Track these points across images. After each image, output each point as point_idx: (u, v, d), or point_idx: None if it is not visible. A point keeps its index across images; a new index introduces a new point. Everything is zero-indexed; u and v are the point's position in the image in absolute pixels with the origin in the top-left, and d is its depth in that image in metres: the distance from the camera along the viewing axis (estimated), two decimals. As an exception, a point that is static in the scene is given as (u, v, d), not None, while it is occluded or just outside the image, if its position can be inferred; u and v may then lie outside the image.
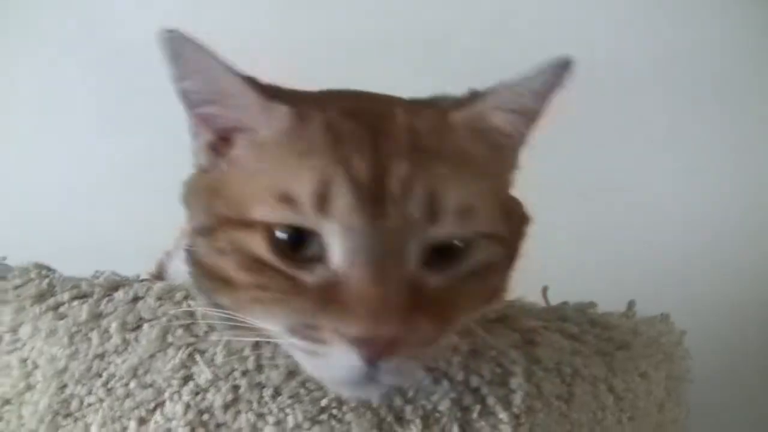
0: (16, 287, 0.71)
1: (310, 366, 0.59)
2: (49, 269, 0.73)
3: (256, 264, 0.60)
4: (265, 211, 0.59)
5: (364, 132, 0.60)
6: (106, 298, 0.69)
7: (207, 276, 0.64)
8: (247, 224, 0.60)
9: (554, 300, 0.79)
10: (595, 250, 1.30)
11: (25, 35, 1.41)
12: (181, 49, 0.62)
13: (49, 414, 0.66)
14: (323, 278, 0.58)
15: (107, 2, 1.37)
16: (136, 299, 0.68)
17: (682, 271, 1.29)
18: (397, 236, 0.57)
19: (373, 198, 0.57)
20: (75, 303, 0.69)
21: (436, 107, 0.67)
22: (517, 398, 0.66)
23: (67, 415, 0.65)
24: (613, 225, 1.34)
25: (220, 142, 0.66)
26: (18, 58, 1.41)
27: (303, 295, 0.58)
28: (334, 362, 0.55)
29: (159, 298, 0.68)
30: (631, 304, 0.79)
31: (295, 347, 0.58)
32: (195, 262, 0.65)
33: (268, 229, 0.59)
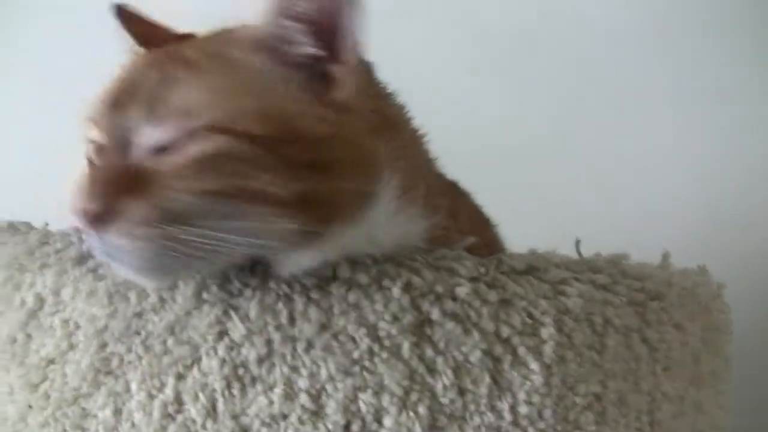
0: (58, 251, 0.74)
1: None
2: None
3: None
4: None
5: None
6: (143, 259, 0.70)
7: None
8: None
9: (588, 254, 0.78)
10: (637, 209, 1.29)
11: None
12: None
13: (91, 372, 0.68)
14: None
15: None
16: (171, 259, 0.69)
17: (724, 225, 1.27)
18: (116, 133, 0.65)
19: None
20: (113, 264, 0.70)
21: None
22: (548, 348, 0.66)
23: (108, 373, 0.68)
24: (650, 181, 1.32)
25: None
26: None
27: None
28: (87, 238, 0.64)
29: (193, 257, 0.69)
30: (665, 256, 0.78)
31: None
32: None
33: None
